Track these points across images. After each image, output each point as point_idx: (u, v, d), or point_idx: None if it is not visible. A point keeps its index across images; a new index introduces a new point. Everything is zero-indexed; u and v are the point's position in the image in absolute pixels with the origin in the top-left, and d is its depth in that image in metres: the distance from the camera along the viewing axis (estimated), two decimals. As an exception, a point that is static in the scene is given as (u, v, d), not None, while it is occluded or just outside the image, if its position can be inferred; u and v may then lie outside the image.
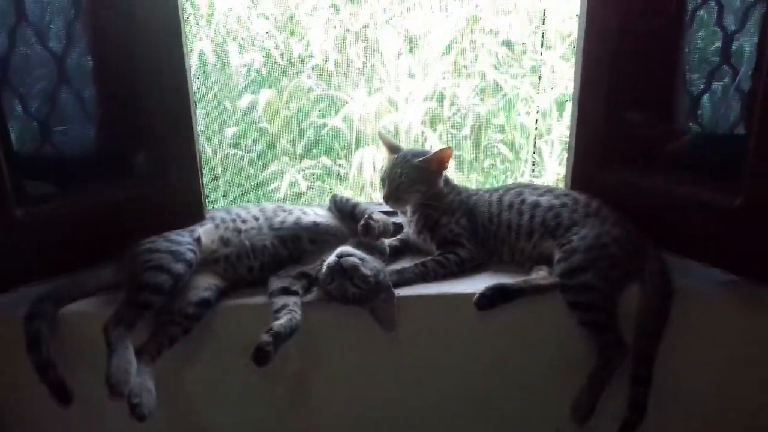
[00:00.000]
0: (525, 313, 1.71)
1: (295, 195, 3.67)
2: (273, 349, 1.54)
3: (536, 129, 3.80)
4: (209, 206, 2.01)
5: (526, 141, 3.82)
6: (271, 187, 3.78)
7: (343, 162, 3.83)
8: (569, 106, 3.59)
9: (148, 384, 1.53)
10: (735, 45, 1.73)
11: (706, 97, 1.82)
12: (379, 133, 2.06)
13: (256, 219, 1.84)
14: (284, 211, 1.88)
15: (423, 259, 1.81)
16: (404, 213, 1.95)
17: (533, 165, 3.82)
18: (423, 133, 3.68)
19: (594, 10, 1.82)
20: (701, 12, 1.77)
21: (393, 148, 1.96)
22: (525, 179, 3.70)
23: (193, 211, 1.90)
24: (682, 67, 1.84)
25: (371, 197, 3.45)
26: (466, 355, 1.77)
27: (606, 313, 1.66)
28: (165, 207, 1.88)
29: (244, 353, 1.58)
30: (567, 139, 3.56)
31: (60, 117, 1.81)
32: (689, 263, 1.77)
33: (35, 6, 1.71)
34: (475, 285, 1.71)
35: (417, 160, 1.86)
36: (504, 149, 3.85)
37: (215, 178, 3.64)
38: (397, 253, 1.93)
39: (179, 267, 1.64)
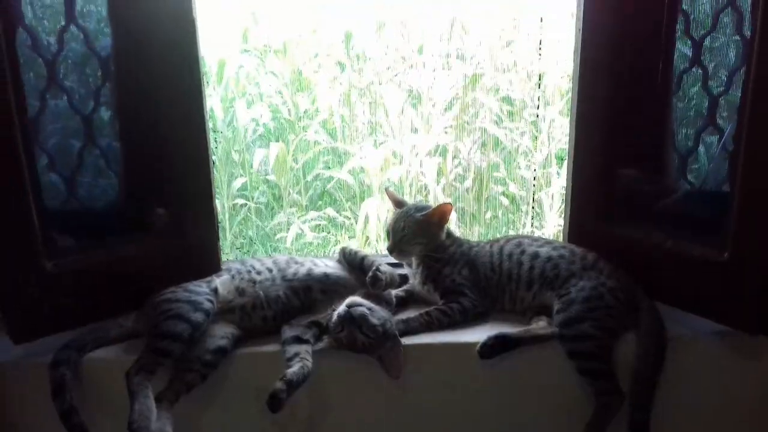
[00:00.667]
0: (526, 362, 1.78)
1: (300, 245, 3.74)
2: (286, 396, 1.62)
3: (534, 181, 3.88)
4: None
5: (527, 193, 3.90)
6: (277, 237, 3.84)
7: (348, 213, 3.91)
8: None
9: (168, 429, 1.60)
10: (721, 106, 1.85)
11: (694, 155, 1.91)
12: (386, 189, 2.16)
13: (270, 270, 1.92)
14: (296, 263, 1.96)
15: (427, 309, 1.88)
16: (409, 264, 2.03)
17: (533, 217, 3.88)
18: (426, 186, 3.77)
19: (585, 74, 1.94)
20: (687, 76, 1.88)
21: (398, 203, 2.05)
22: (526, 230, 3.77)
23: (210, 263, 1.98)
24: (671, 127, 1.93)
25: (376, 248, 3.52)
26: (470, 401, 1.83)
27: (603, 361, 1.73)
28: (183, 259, 1.96)
29: (258, 399, 1.65)
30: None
31: (86, 173, 1.89)
32: (682, 314, 1.84)
33: (67, 71, 1.82)
34: (478, 334, 1.78)
35: (419, 214, 1.95)
36: (505, 201, 3.93)
37: (223, 229, 3.72)
38: (403, 302, 2.00)
39: (198, 316, 1.72)
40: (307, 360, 1.71)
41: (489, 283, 1.94)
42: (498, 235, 3.65)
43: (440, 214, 1.96)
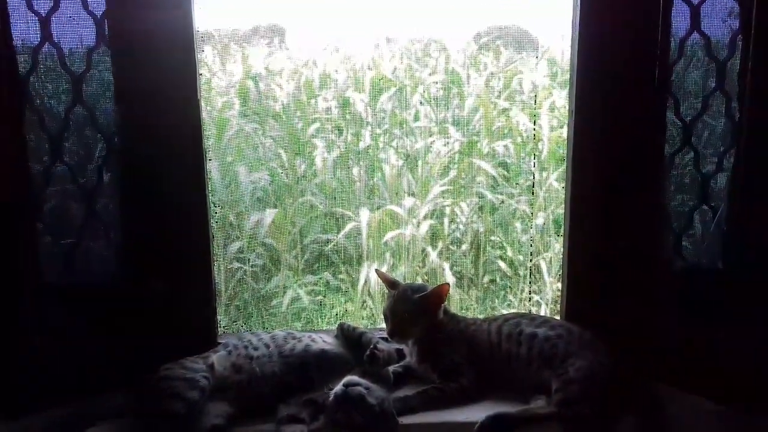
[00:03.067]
0: (525, 442, 1.76)
1: (296, 309, 3.71)
2: (283, 478, 1.60)
3: (532, 247, 3.88)
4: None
5: (525, 258, 3.90)
6: (273, 303, 3.81)
7: (344, 277, 3.89)
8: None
9: None
10: (712, 185, 1.88)
11: (688, 234, 1.95)
12: (376, 270, 2.17)
13: (267, 346, 1.91)
14: (294, 338, 1.95)
15: (425, 387, 1.87)
16: (406, 344, 2.02)
17: (531, 282, 3.86)
18: (424, 249, 3.76)
19: (579, 155, 1.98)
20: (679, 157, 1.92)
21: (391, 284, 2.04)
22: (524, 295, 3.76)
23: (207, 338, 1.99)
24: (665, 206, 1.96)
25: (373, 311, 3.50)
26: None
27: (601, 443, 1.72)
28: (180, 332, 1.96)
29: None
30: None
31: (86, 249, 1.91)
32: (681, 393, 1.83)
33: (70, 147, 1.87)
34: (476, 413, 1.76)
35: (417, 296, 1.94)
36: (503, 265, 3.92)
37: (218, 292, 3.69)
38: (401, 378, 1.97)
39: (193, 394, 1.70)
40: (303, 440, 1.69)
41: (487, 363, 1.92)
42: (496, 299, 3.65)
43: (438, 295, 1.96)
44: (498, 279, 3.92)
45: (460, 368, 1.90)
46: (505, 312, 2.24)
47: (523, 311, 2.94)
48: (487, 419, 1.73)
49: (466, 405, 1.85)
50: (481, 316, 2.26)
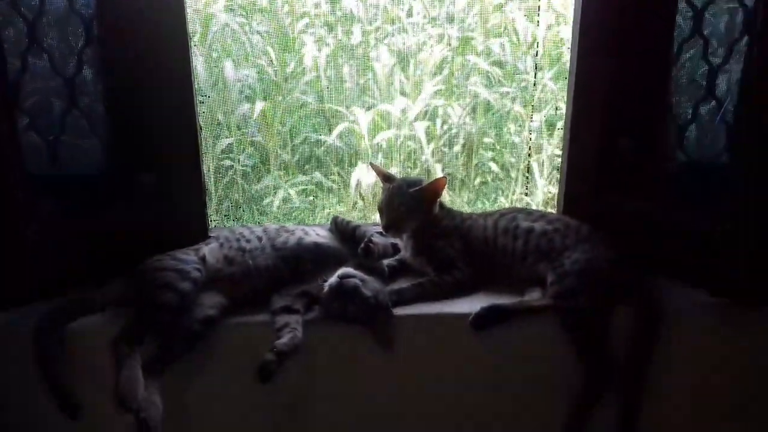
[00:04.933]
0: (519, 333, 1.76)
1: (288, 209, 3.69)
2: (276, 366, 1.60)
3: (527, 148, 3.83)
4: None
5: (517, 160, 3.86)
6: (264, 203, 3.78)
7: (335, 177, 3.85)
8: (560, 125, 3.64)
9: (155, 398, 1.57)
10: (720, 77, 1.81)
11: (692, 126, 1.89)
12: (371, 163, 2.11)
13: (260, 239, 1.88)
14: (287, 231, 1.92)
15: (420, 280, 1.86)
16: (401, 238, 2.00)
17: (523, 183, 3.84)
18: (415, 151, 3.71)
19: (584, 45, 1.90)
20: (688, 46, 1.84)
21: (386, 178, 2.00)
22: (515, 197, 3.75)
23: (198, 230, 1.95)
24: (670, 98, 1.90)
25: (364, 214, 3.48)
26: (462, 373, 1.82)
27: (596, 335, 1.72)
28: (170, 226, 1.93)
29: (247, 369, 1.64)
30: (557, 159, 3.61)
31: (69, 137, 1.84)
32: (678, 286, 1.84)
33: (47, 32, 1.76)
34: (471, 305, 1.77)
35: (412, 190, 1.91)
36: (495, 167, 3.88)
37: (208, 192, 3.66)
38: (395, 272, 1.97)
39: (185, 285, 1.68)
40: (298, 330, 1.68)
41: (482, 257, 1.91)
42: (486, 202, 3.63)
43: (434, 189, 1.92)
44: (489, 181, 3.90)
45: (455, 262, 1.89)
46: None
47: (519, 206, 2.90)
48: (482, 310, 1.73)
49: (460, 297, 1.85)
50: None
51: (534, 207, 3.36)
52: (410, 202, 1.90)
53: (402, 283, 1.87)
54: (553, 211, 2.16)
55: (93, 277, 1.82)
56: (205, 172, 3.65)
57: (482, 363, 1.81)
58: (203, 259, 1.81)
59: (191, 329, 1.67)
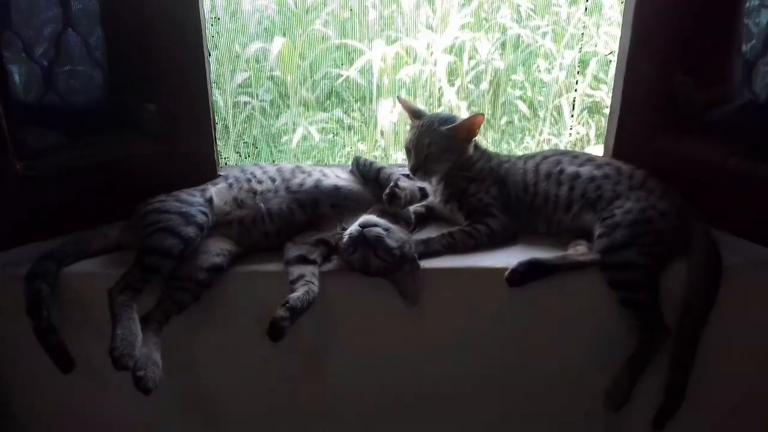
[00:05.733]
0: (559, 291, 1.62)
1: (307, 147, 3.58)
2: (289, 324, 1.46)
3: (559, 86, 3.69)
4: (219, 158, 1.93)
5: (545, 99, 3.71)
6: (283, 140, 3.69)
7: (356, 114, 3.73)
8: (592, 64, 3.46)
9: (154, 355, 1.44)
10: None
11: (761, 63, 1.68)
12: (398, 97, 1.92)
13: (273, 180, 1.73)
14: (303, 172, 1.77)
15: (450, 229, 1.71)
16: (430, 182, 1.84)
17: (551, 123, 3.72)
18: (441, 88, 3.57)
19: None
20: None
21: (415, 113, 1.84)
22: (543, 138, 3.59)
23: (206, 169, 1.82)
24: (739, 30, 1.70)
25: (386, 153, 3.35)
26: (494, 332, 1.69)
27: (648, 293, 1.57)
28: (175, 163, 1.80)
29: (256, 322, 1.52)
30: (587, 98, 3.45)
31: (65, 63, 1.71)
32: (739, 241, 1.69)
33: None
34: (507, 259, 1.62)
35: (445, 128, 1.75)
36: (522, 106, 3.74)
37: (226, 128, 3.57)
38: (423, 220, 1.83)
39: (190, 230, 1.54)
40: (313, 283, 1.54)
41: (521, 204, 1.75)
42: (512, 142, 3.48)
43: (470, 127, 1.75)
44: (516, 120, 3.75)
45: (489, 209, 1.72)
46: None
47: (564, 149, 2.72)
48: (520, 265, 1.58)
49: (495, 250, 1.70)
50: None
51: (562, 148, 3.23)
52: (442, 142, 1.73)
53: (430, 233, 1.72)
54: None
55: (90, 218, 1.70)
56: (222, 106, 3.52)
57: (517, 322, 1.68)
58: (210, 201, 1.66)
59: (195, 278, 1.54)
